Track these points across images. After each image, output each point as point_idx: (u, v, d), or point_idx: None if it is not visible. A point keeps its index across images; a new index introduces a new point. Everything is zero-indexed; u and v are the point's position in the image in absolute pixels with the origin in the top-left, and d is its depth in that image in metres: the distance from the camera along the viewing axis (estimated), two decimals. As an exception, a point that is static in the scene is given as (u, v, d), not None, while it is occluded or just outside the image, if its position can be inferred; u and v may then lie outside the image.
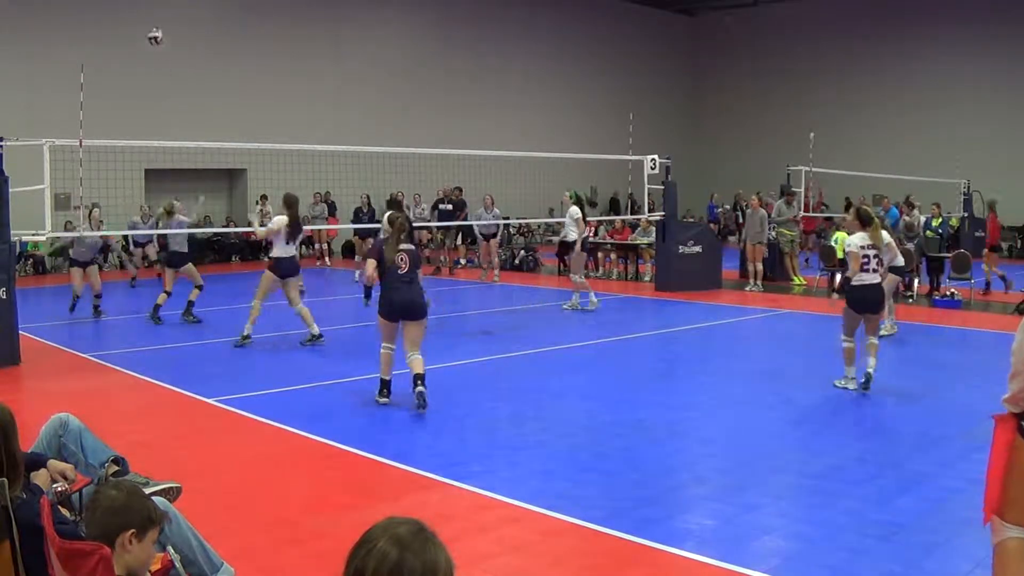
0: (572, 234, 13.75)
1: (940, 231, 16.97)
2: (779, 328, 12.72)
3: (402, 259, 7.64)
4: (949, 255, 15.88)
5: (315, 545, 4.72)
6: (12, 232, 9.69)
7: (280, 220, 10.68)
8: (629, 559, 4.61)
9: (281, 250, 10.67)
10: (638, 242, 18.21)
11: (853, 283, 8.43)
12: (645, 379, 9.17)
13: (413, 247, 7.87)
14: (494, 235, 18.30)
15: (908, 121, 29.42)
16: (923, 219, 16.80)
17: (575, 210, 13.71)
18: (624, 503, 5.36)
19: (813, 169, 19.87)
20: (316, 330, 10.68)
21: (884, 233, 8.82)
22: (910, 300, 14.97)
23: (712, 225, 24.65)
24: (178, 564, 3.48)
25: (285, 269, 10.67)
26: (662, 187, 16.48)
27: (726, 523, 5.07)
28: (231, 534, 4.73)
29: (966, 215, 23.85)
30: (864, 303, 8.40)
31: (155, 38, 11.53)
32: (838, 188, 26.27)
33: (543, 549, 4.76)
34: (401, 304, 7.63)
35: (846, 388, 8.39)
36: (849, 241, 8.64)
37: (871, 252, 8.39)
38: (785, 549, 4.71)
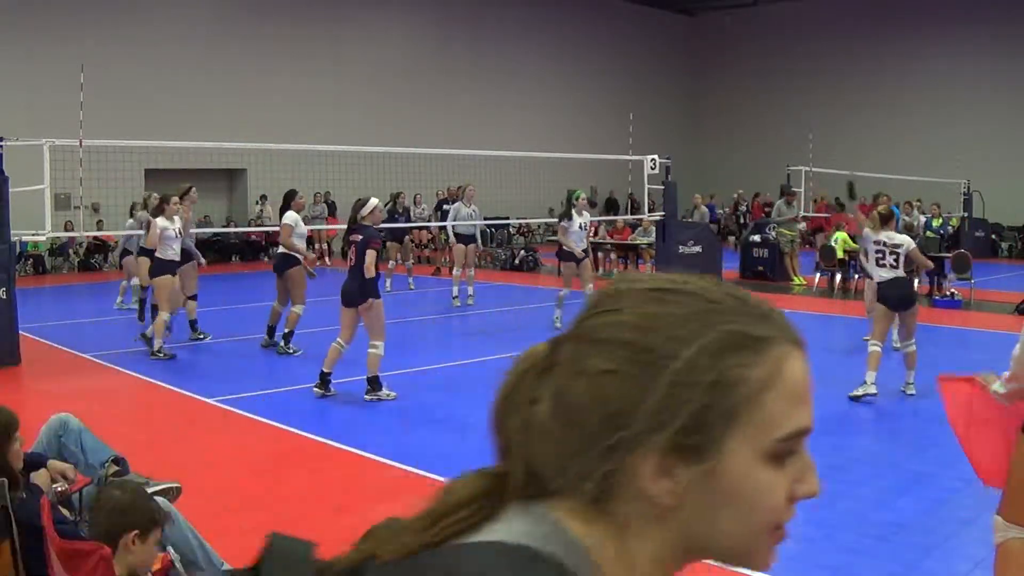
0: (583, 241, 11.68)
1: (940, 231, 16.96)
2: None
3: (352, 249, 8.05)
4: (949, 255, 15.88)
5: (315, 545, 4.71)
6: (12, 232, 9.69)
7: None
8: (629, 559, 4.60)
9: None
10: (638, 242, 18.22)
11: (879, 280, 8.10)
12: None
13: (361, 238, 8.00)
14: (473, 238, 14.68)
15: (908, 121, 29.42)
16: (923, 219, 16.82)
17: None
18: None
19: (813, 169, 19.88)
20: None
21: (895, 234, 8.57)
22: (910, 300, 14.97)
23: (712, 225, 24.65)
24: (178, 564, 3.48)
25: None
26: (662, 187, 16.48)
27: (726, 523, 5.06)
28: (231, 534, 4.73)
29: (966, 215, 23.86)
30: (896, 299, 8.01)
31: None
32: (837, 188, 26.28)
33: (543, 549, 4.75)
34: (345, 292, 8.07)
35: (866, 395, 7.94)
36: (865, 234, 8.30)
37: (884, 248, 8.07)
38: (785, 549, 4.65)
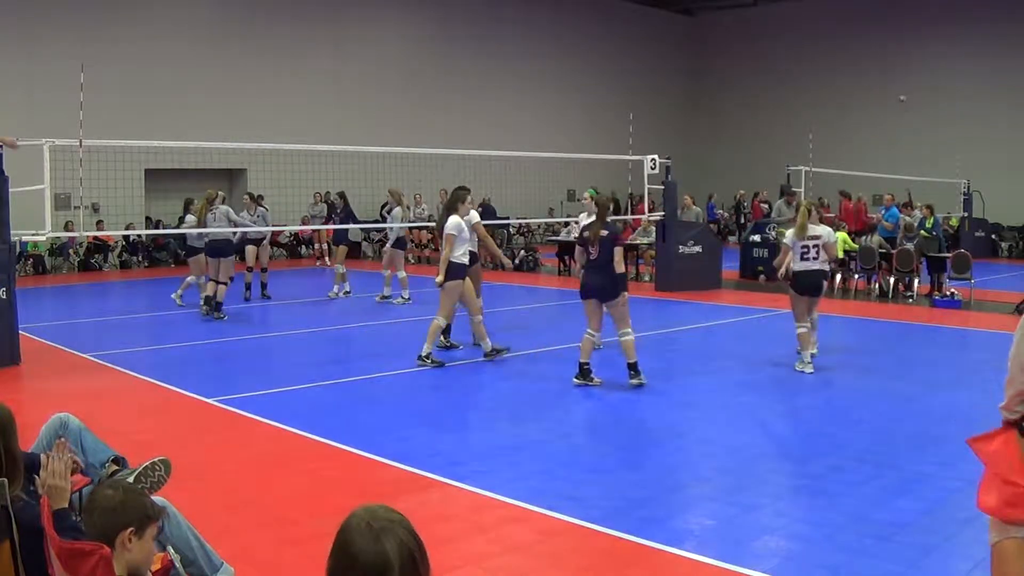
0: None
1: (933, 231, 16.96)
2: (779, 328, 12.68)
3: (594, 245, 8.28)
4: (949, 255, 15.87)
5: (315, 545, 4.71)
6: (12, 232, 9.69)
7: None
8: (629, 559, 4.61)
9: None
10: (638, 242, 18.21)
11: (796, 269, 9.33)
12: (646, 379, 9.16)
13: (608, 233, 8.33)
14: (400, 241, 14.60)
15: (908, 121, 29.42)
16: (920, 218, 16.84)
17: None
18: (624, 503, 5.36)
19: (813, 169, 19.88)
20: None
21: (821, 228, 9.52)
22: (910, 300, 14.97)
23: (712, 224, 24.69)
24: (178, 564, 3.48)
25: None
26: (662, 187, 16.48)
27: (726, 523, 5.07)
28: (231, 534, 4.74)
29: (966, 215, 23.86)
30: (806, 287, 9.31)
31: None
32: (838, 188, 26.35)
33: (543, 549, 4.76)
34: (592, 286, 8.31)
35: (804, 371, 9.14)
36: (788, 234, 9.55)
37: (809, 243, 9.29)
38: (785, 549, 4.71)
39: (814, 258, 9.29)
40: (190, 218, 13.42)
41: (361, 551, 1.90)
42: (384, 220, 22.70)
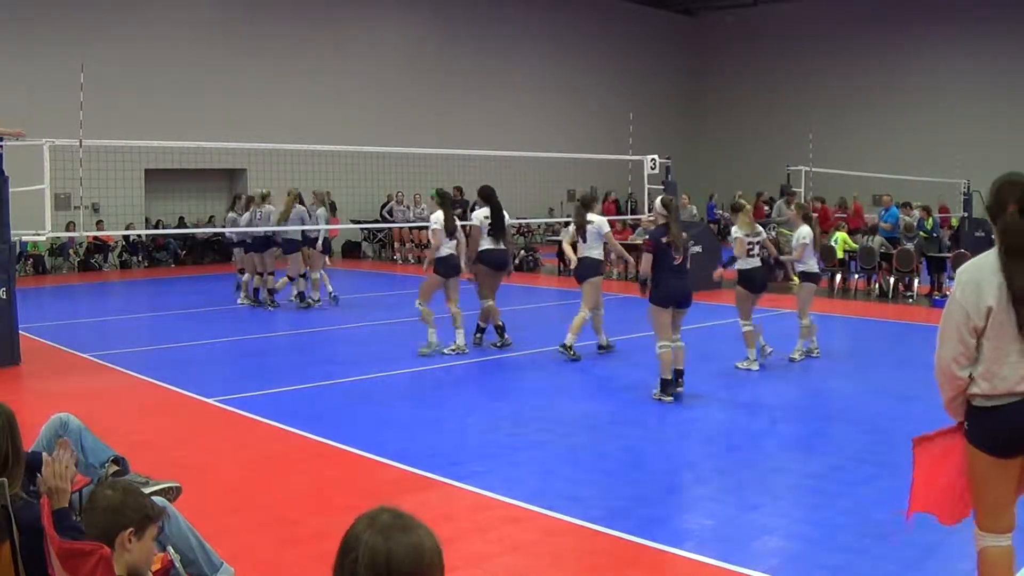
0: (444, 248, 10.05)
1: (933, 232, 16.94)
2: (779, 328, 12.68)
3: (677, 250, 8.10)
4: (949, 255, 15.87)
5: (315, 545, 4.71)
6: (12, 232, 9.69)
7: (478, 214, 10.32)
8: (629, 559, 4.61)
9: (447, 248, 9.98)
10: (638, 242, 18.19)
11: (738, 267, 9.37)
12: (645, 379, 9.15)
13: (686, 237, 8.34)
14: (312, 241, 14.29)
15: (908, 121, 29.42)
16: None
17: (438, 216, 10.12)
18: (624, 503, 5.36)
19: (813, 169, 19.88)
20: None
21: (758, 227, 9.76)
22: (910, 300, 14.98)
23: (712, 224, 24.67)
24: (178, 564, 3.48)
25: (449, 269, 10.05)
26: (662, 187, 16.48)
27: (726, 523, 5.07)
28: (231, 534, 4.73)
29: (966, 215, 23.85)
30: (753, 283, 9.29)
31: None
32: (839, 188, 26.34)
33: (543, 549, 4.76)
34: (679, 293, 8.10)
35: (749, 369, 9.21)
36: (734, 231, 9.60)
37: (754, 239, 9.44)
38: (785, 549, 4.71)
39: (757, 254, 9.45)
40: (231, 216, 13.77)
41: (349, 533, 1.90)
42: (385, 220, 22.77)
